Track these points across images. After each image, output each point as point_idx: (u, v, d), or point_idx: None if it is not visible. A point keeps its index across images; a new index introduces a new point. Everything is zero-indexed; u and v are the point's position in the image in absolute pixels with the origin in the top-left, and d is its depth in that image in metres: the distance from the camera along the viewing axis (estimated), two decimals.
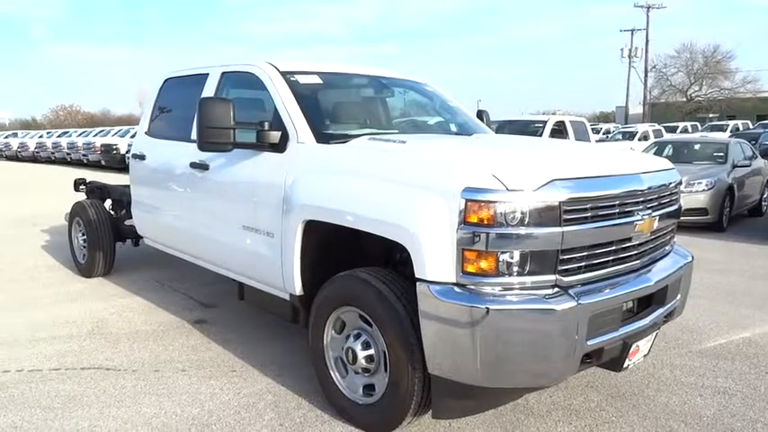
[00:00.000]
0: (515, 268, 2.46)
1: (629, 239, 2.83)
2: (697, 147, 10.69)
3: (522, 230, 2.43)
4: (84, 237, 6.09)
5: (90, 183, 7.08)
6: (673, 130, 29.77)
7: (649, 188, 2.93)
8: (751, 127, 30.23)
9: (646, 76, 44.19)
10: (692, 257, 3.42)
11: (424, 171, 2.66)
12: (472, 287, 2.48)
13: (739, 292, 5.56)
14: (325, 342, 3.14)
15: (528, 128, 12.53)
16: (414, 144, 3.14)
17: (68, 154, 27.87)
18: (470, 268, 2.47)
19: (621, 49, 47.55)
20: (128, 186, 6.91)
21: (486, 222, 2.43)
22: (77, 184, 7.19)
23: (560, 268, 2.53)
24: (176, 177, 4.28)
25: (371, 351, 2.92)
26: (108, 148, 23.62)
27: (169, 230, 4.51)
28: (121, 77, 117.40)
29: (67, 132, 34.12)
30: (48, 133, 35.84)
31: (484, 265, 2.46)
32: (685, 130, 30.76)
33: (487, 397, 2.71)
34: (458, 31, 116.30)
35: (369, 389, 2.98)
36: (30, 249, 7.59)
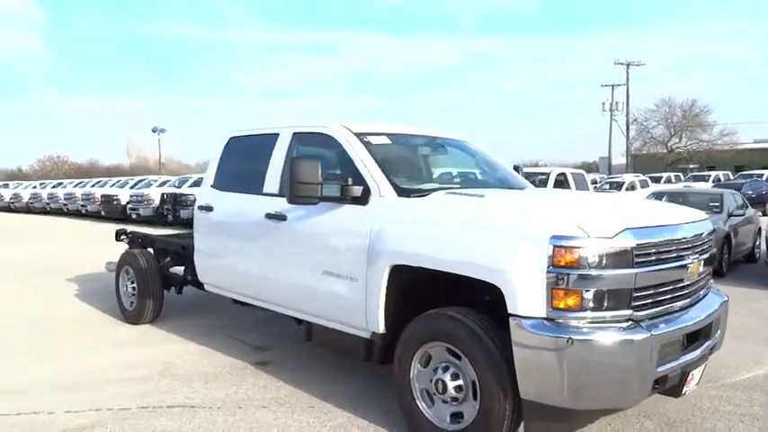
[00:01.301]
0: (597, 304, 2.87)
1: (682, 280, 3.26)
2: (693, 197, 11.33)
3: (602, 272, 2.86)
4: (134, 285, 6.38)
5: (131, 233, 7.42)
6: (657, 180, 30.86)
7: (695, 236, 3.40)
8: (732, 178, 31.47)
9: (627, 129, 45.94)
10: (728, 298, 3.86)
11: (514, 221, 3.10)
12: (560, 321, 2.88)
13: (754, 331, 6.00)
14: (411, 375, 3.48)
15: (533, 179, 13.13)
16: (492, 198, 3.59)
17: (65, 205, 28.03)
18: (558, 304, 2.88)
19: (603, 103, 49.48)
20: (171, 236, 7.31)
21: (571, 265, 2.85)
22: (119, 234, 7.51)
23: (633, 304, 2.95)
24: (249, 227, 4.67)
25: (460, 381, 3.27)
26: (108, 199, 23.88)
27: (238, 276, 4.85)
28: (107, 128, 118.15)
29: (62, 183, 34.33)
30: (41, 184, 36.00)
31: (570, 301, 2.87)
32: (668, 181, 31.87)
33: (572, 418, 3.06)
34: (445, 84, 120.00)
35: (456, 416, 3.32)
36: (64, 297, 7.83)
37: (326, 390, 4.33)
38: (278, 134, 4.74)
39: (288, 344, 5.54)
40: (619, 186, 26.50)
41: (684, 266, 3.25)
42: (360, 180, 3.88)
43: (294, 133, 4.62)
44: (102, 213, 24.25)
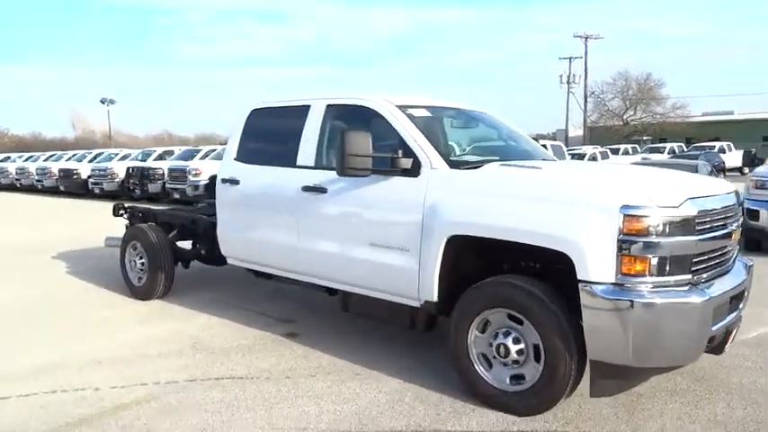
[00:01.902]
0: (662, 270, 3.05)
1: (726, 246, 3.48)
2: (672, 167, 11.82)
3: (668, 239, 3.03)
4: (143, 260, 6.27)
5: (131, 208, 7.25)
6: (615, 152, 31.82)
7: (734, 204, 3.61)
8: (685, 149, 32.74)
9: (585, 101, 46.96)
10: (753, 262, 4.12)
11: (582, 192, 3.23)
12: (628, 286, 3.05)
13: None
14: (469, 340, 3.61)
15: None
16: (548, 170, 3.71)
17: (17, 180, 26.87)
18: (627, 270, 3.04)
19: (561, 76, 50.41)
20: (174, 210, 7.19)
21: (640, 233, 3.01)
22: (117, 209, 7.33)
23: (693, 269, 3.14)
24: (282, 200, 4.66)
25: (521, 345, 3.42)
26: (68, 174, 23.00)
27: (269, 249, 4.84)
28: (49, 98, 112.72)
29: (9, 157, 32.79)
30: None
31: (638, 267, 3.03)
32: (626, 152, 32.89)
33: (632, 376, 3.26)
34: (398, 56, 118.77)
35: (516, 378, 3.47)
36: (60, 276, 7.61)
37: (366, 358, 4.41)
38: (309, 106, 4.72)
39: (309, 315, 5.59)
40: (580, 158, 27.20)
41: (729, 234, 3.46)
42: (408, 152, 3.92)
43: (328, 105, 4.61)
44: (61, 188, 23.37)
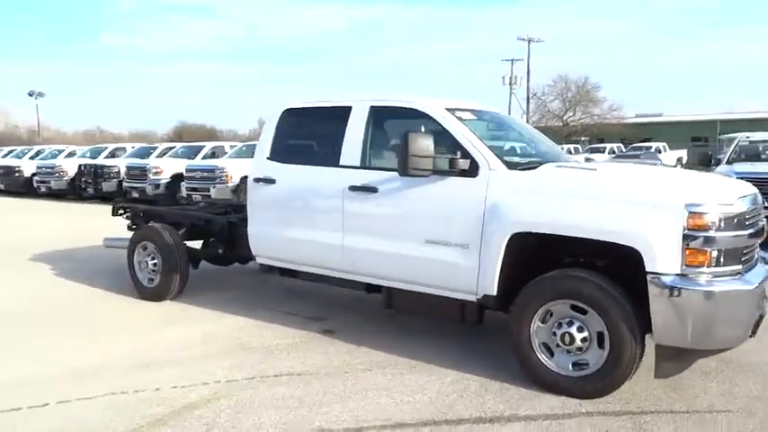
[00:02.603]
0: (719, 260, 3.39)
1: (758, 240, 3.87)
2: None
3: (726, 233, 3.38)
4: (155, 261, 6.18)
5: (132, 207, 7.11)
6: None
7: (763, 203, 4.02)
8: (624, 150, 34.50)
9: (528, 103, 48.56)
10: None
11: (648, 192, 3.53)
12: (691, 276, 3.36)
13: None
14: (531, 330, 3.85)
15: None
16: (605, 171, 4.00)
17: None
18: (690, 262, 3.36)
19: (503, 77, 51.82)
20: (183, 209, 7.08)
21: (703, 228, 3.34)
22: (116, 208, 7.17)
23: (742, 260, 3.50)
24: (326, 198, 4.75)
25: (585, 333, 3.69)
26: (9, 171, 21.77)
27: (310, 247, 4.90)
28: None
29: None
30: None
31: (701, 258, 3.36)
32: (569, 152, 34.32)
33: (689, 358, 3.59)
34: (333, 53, 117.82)
35: (579, 364, 3.74)
36: (52, 279, 7.35)
37: (415, 352, 4.57)
38: (350, 107, 4.82)
39: (339, 312, 5.69)
40: None
41: (763, 228, 3.85)
42: (465, 154, 4.12)
43: (372, 107, 4.73)
44: (1, 186, 22.13)
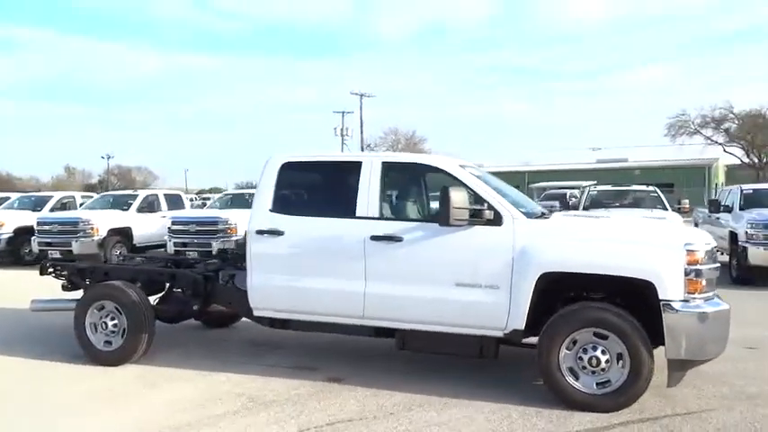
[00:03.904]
0: (706, 287, 4.33)
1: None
2: None
3: (709, 266, 4.34)
4: (115, 321, 5.70)
5: (67, 265, 6.46)
6: None
7: None
8: None
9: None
10: None
11: (656, 235, 4.41)
12: (691, 301, 4.25)
13: None
14: (560, 358, 4.44)
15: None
16: (615, 218, 4.80)
17: None
18: (690, 290, 4.25)
19: (335, 128, 53.94)
20: (145, 262, 6.58)
21: (696, 263, 4.26)
22: (45, 267, 6.44)
23: (714, 288, 4.49)
24: (344, 249, 4.94)
25: (607, 356, 4.38)
26: None
27: (323, 296, 5.00)
28: None
29: None
30: None
31: (696, 286, 4.27)
32: None
33: (690, 368, 4.43)
34: (152, 99, 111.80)
35: (602, 383, 4.40)
36: None
37: (434, 389, 4.88)
38: (360, 162, 5.13)
39: (328, 360, 5.76)
40: None
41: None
42: (488, 206, 4.67)
43: (384, 162, 5.09)
44: None
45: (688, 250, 4.27)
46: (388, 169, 5.10)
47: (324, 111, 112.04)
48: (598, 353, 4.39)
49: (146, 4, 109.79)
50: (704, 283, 4.31)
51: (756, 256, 10.05)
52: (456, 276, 4.67)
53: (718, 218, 12.20)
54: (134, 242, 14.85)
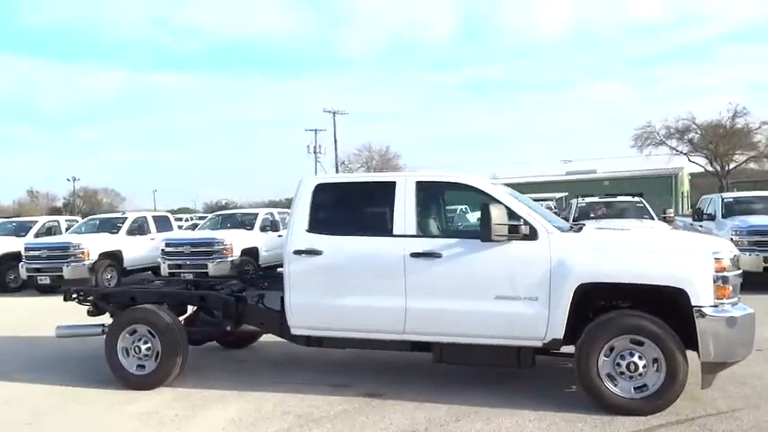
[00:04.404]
0: (732, 293, 4.62)
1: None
2: None
3: (734, 272, 4.63)
4: (148, 345, 5.73)
5: (91, 290, 6.46)
6: None
7: None
8: None
9: (337, 171, 51.05)
10: None
11: (687, 245, 4.68)
12: (719, 306, 4.53)
13: None
14: (598, 365, 4.66)
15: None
16: (637, 230, 5.06)
17: None
18: (718, 295, 4.53)
19: (308, 146, 54.01)
20: (165, 285, 6.61)
21: (723, 270, 4.55)
22: (69, 294, 6.42)
23: (738, 293, 4.79)
24: (384, 266, 5.10)
25: (644, 361, 4.62)
26: None
27: (364, 312, 5.15)
28: None
29: None
30: None
31: (723, 292, 4.55)
32: None
33: (720, 370, 4.69)
34: (115, 119, 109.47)
35: (639, 388, 4.63)
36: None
37: (475, 399, 5.05)
38: (394, 182, 5.31)
39: (359, 376, 5.87)
40: None
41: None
42: (524, 221, 4.89)
43: (418, 182, 5.28)
44: None
45: (715, 258, 4.56)
46: (422, 188, 5.29)
47: (291, 128, 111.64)
48: (635, 358, 4.62)
49: (102, 24, 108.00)
50: (731, 288, 4.60)
51: (743, 262, 10.46)
52: (495, 290, 4.87)
53: (701, 226, 12.71)
54: (124, 265, 14.71)
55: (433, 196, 5.48)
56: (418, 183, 5.29)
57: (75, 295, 6.43)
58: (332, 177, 5.68)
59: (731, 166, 45.28)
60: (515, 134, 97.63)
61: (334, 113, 50.67)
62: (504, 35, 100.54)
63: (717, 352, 4.50)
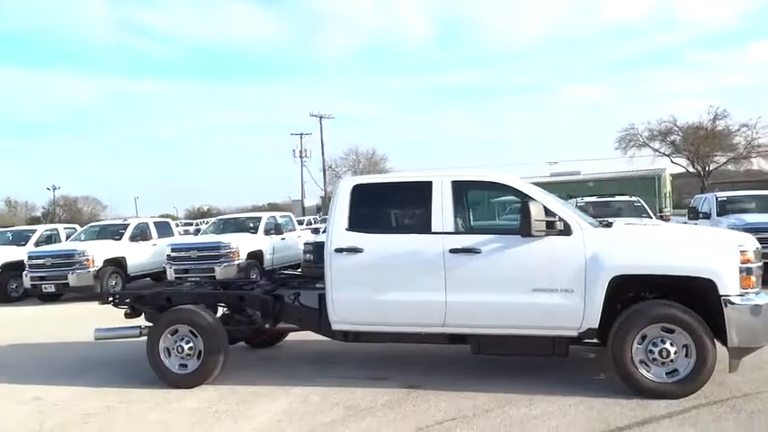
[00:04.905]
0: (756, 283, 4.94)
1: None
2: None
3: (757, 264, 4.96)
4: (191, 344, 5.89)
5: (129, 293, 6.60)
6: None
7: None
8: None
9: (325, 175, 51.33)
10: None
11: (714, 239, 5.00)
12: (745, 295, 4.84)
13: None
14: (632, 352, 4.95)
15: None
16: (662, 225, 5.36)
17: None
18: (744, 285, 4.84)
19: (294, 150, 54.07)
20: (195, 287, 6.77)
21: (748, 261, 4.87)
22: (106, 297, 6.57)
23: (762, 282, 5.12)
24: (424, 262, 5.33)
25: (675, 348, 4.91)
26: None
27: (406, 307, 5.38)
28: None
29: None
30: None
31: (748, 282, 4.86)
32: None
33: (745, 355, 5.00)
34: (92, 126, 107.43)
35: (670, 373, 4.92)
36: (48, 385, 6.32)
37: (514, 387, 5.29)
38: (430, 182, 5.56)
39: (393, 369, 6.09)
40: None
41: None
42: (559, 218, 5.16)
43: (453, 181, 5.53)
44: None
45: (741, 251, 4.87)
46: (458, 187, 5.54)
47: (273, 133, 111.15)
48: (667, 345, 4.91)
49: (73, 31, 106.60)
50: (755, 279, 4.91)
51: None
52: (533, 283, 5.13)
53: (696, 224, 13.15)
54: (128, 272, 14.75)
55: (468, 195, 5.73)
56: (454, 182, 5.54)
57: (111, 299, 6.57)
58: (369, 178, 5.93)
59: (712, 167, 46.31)
60: (499, 137, 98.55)
61: (320, 117, 50.85)
62: (484, 39, 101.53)
63: (743, 338, 4.81)
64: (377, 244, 5.53)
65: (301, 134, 53.24)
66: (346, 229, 5.63)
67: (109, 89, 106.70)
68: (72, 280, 13.59)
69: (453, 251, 5.29)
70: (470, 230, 5.55)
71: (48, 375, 6.65)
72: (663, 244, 5.08)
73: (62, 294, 14.17)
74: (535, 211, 4.96)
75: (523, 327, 5.22)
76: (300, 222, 24.18)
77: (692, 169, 46.64)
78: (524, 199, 5.26)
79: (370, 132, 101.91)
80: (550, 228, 5.10)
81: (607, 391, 5.09)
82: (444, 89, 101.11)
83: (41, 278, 13.83)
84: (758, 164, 46.08)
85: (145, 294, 6.52)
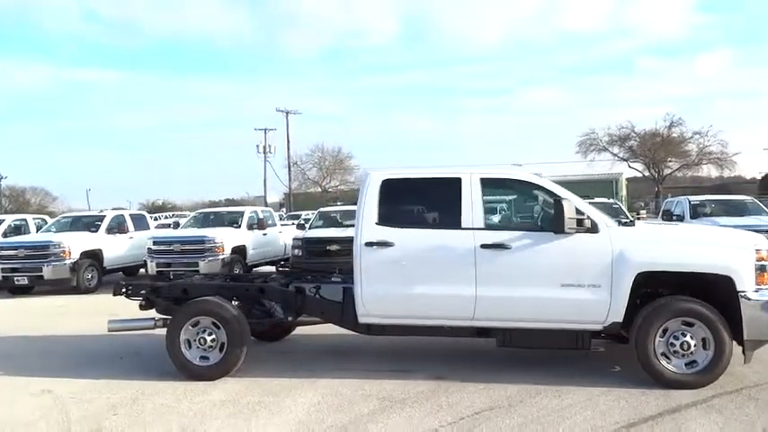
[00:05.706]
0: None
1: None
2: None
3: None
4: (213, 337, 5.85)
5: (150, 284, 6.48)
6: None
7: None
8: None
9: (290, 171, 50.97)
10: None
11: (732, 238, 5.28)
12: (760, 291, 5.15)
13: None
14: (655, 344, 5.19)
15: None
16: (683, 225, 5.62)
17: None
18: (758, 282, 5.15)
19: (257, 146, 53.35)
20: (206, 279, 6.69)
21: (763, 260, 5.18)
22: (119, 288, 6.42)
23: None
24: (455, 257, 5.45)
25: (695, 341, 5.18)
26: None
27: (436, 301, 5.48)
28: None
29: None
30: None
31: (763, 279, 5.18)
32: None
33: (759, 347, 5.31)
34: (44, 115, 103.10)
35: (689, 364, 5.19)
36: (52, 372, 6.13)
37: (540, 379, 5.47)
38: (459, 178, 5.68)
39: (416, 362, 6.19)
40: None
41: None
42: (587, 216, 5.37)
43: (482, 178, 5.66)
44: None
45: (756, 250, 5.18)
46: (487, 184, 5.68)
47: (234, 128, 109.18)
48: (688, 338, 5.18)
49: (27, 18, 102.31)
50: (767, 276, 5.23)
51: None
52: (561, 278, 5.32)
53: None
54: (104, 265, 14.35)
55: (497, 191, 5.89)
56: (483, 179, 5.68)
57: (124, 290, 6.43)
58: (397, 173, 5.91)
59: (666, 172, 48.20)
60: (460, 138, 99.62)
61: (287, 113, 50.43)
62: (444, 41, 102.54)
63: (758, 331, 5.12)
64: (407, 238, 5.61)
65: (265, 129, 52.62)
66: (376, 224, 5.70)
67: (67, 79, 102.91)
68: (47, 272, 13.16)
69: (484, 246, 5.42)
70: (499, 226, 5.69)
71: (49, 368, 6.45)
72: (685, 242, 5.36)
73: (33, 287, 13.70)
74: (568, 209, 5.15)
75: (551, 321, 5.41)
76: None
77: (647, 174, 48.40)
78: (555, 197, 5.44)
79: (335, 130, 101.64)
80: (580, 225, 5.30)
81: (628, 383, 5.33)
82: (406, 89, 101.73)
83: (14, 270, 13.33)
84: (708, 170, 48.28)
85: (161, 286, 6.41)
